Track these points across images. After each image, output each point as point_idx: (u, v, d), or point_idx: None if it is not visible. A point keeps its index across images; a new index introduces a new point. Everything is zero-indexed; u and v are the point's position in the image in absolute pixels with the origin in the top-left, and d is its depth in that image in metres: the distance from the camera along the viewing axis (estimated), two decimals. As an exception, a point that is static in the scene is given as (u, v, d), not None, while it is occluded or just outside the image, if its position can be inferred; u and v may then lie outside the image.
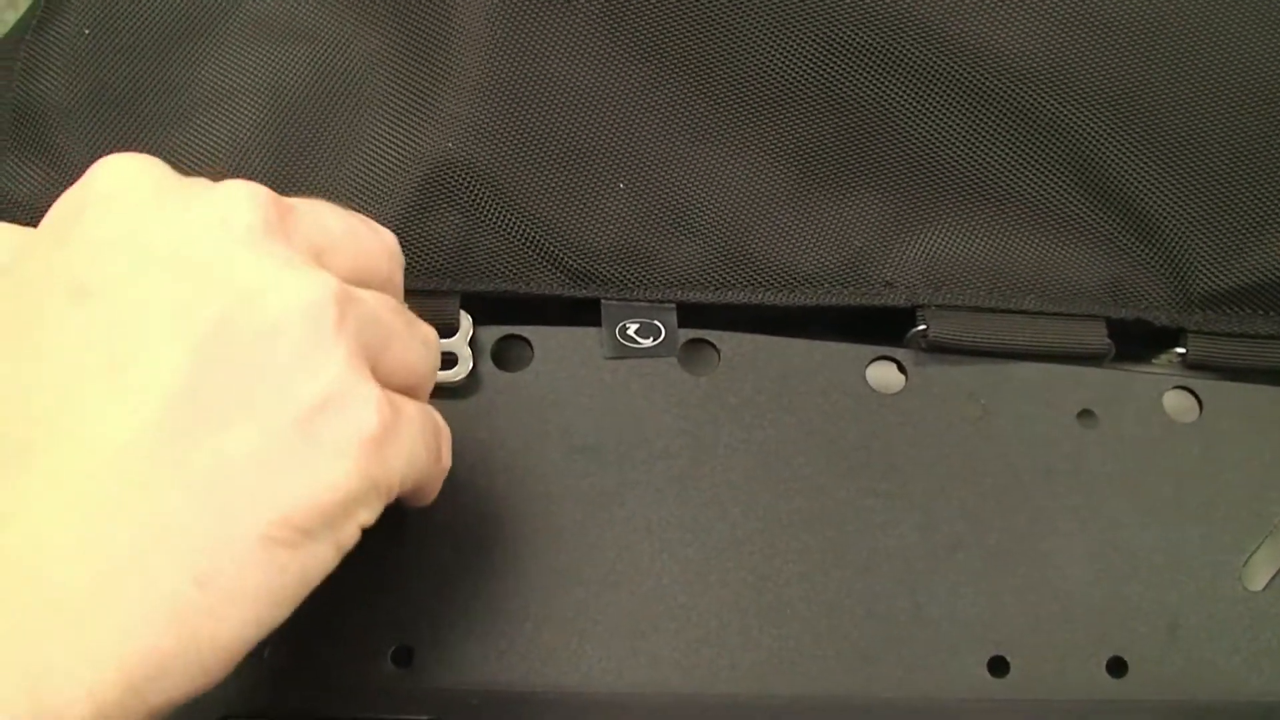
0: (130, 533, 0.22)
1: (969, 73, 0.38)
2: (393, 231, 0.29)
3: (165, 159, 0.27)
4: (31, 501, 0.22)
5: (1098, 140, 0.38)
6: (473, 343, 0.36)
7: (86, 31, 0.38)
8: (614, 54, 0.38)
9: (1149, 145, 0.38)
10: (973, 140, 0.38)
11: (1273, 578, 0.36)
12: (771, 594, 0.34)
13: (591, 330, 0.36)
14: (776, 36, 0.38)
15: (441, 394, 0.35)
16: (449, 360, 0.35)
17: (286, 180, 0.37)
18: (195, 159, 0.37)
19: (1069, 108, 0.38)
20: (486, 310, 0.36)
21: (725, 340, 0.37)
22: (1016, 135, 0.38)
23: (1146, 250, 0.38)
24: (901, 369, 0.37)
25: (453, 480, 0.30)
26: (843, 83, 0.38)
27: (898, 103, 0.38)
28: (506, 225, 0.37)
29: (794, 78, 0.38)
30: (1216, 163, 0.38)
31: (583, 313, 0.37)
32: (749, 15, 0.38)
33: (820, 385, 0.37)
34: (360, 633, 0.33)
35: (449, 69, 0.38)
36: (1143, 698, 0.34)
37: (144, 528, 0.22)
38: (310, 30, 0.39)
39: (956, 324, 0.37)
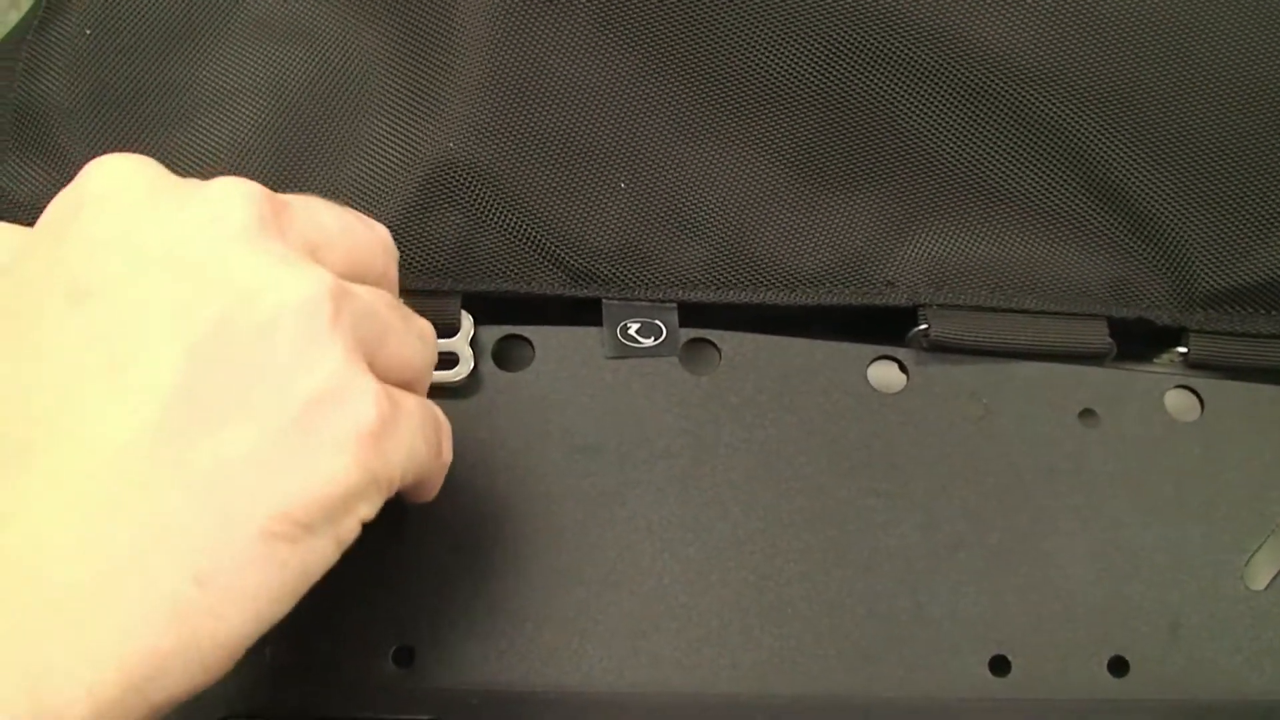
0: (130, 533, 0.22)
1: (971, 72, 0.38)
2: (394, 231, 0.29)
3: (167, 159, 0.27)
4: (31, 501, 0.22)
5: (1099, 139, 0.38)
6: (474, 342, 0.36)
7: (88, 32, 0.38)
8: (615, 53, 0.38)
9: (1150, 144, 0.38)
10: (974, 140, 0.38)
11: (1274, 577, 0.36)
12: (773, 593, 0.34)
13: (593, 330, 0.36)
14: (777, 36, 0.38)
15: (442, 394, 0.35)
16: (450, 360, 0.35)
17: (287, 180, 0.37)
18: (196, 159, 0.37)
19: (1070, 107, 0.38)
20: (487, 310, 0.36)
21: (726, 340, 0.37)
22: (1018, 135, 0.38)
23: (1148, 249, 0.38)
24: (903, 368, 0.37)
25: (454, 480, 0.30)
26: (844, 82, 0.38)
27: (900, 102, 0.38)
28: (508, 225, 0.37)
29: (795, 77, 0.38)
30: (1218, 161, 0.38)
31: (584, 312, 0.37)
32: (750, 15, 0.38)
33: (821, 385, 0.36)
34: (361, 632, 0.33)
35: (450, 68, 0.38)
36: (1144, 697, 0.34)
37: (144, 527, 0.22)
38: (311, 30, 0.39)
39: (958, 323, 0.37)
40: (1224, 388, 0.38)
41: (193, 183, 0.26)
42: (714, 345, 0.37)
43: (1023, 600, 0.35)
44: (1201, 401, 0.37)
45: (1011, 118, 0.38)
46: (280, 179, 0.36)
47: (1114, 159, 0.38)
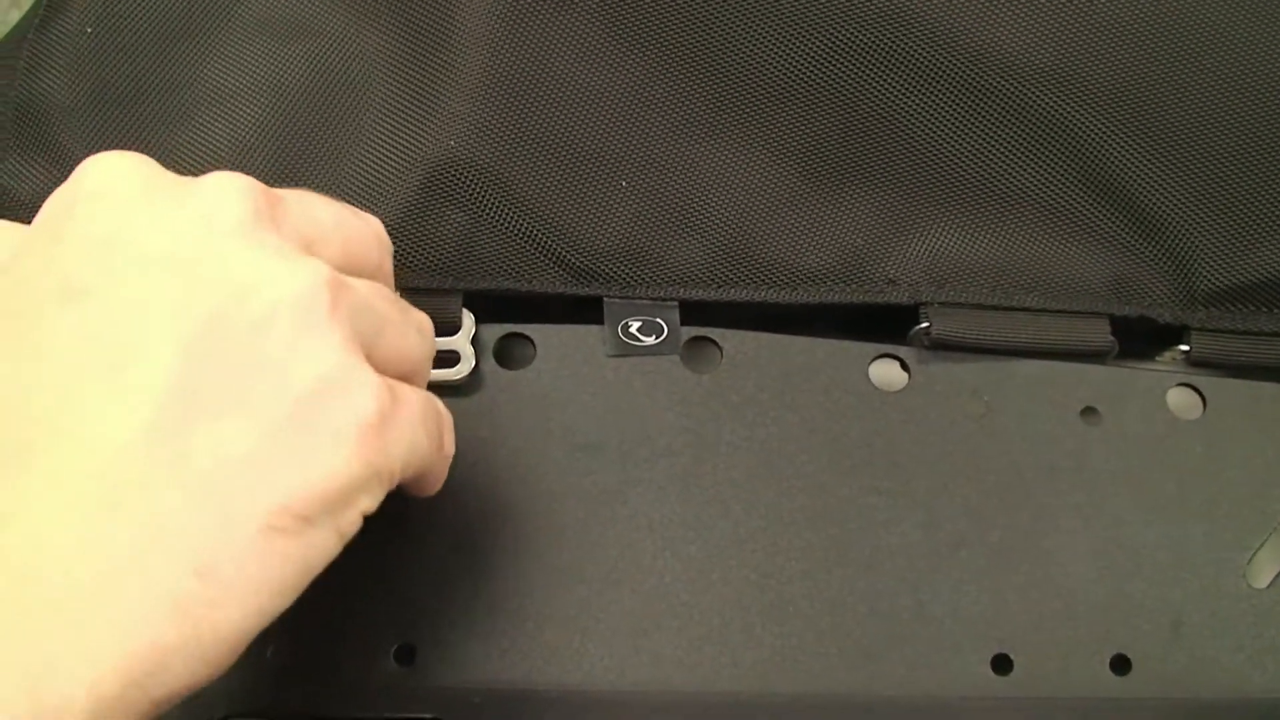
0: (130, 532, 0.22)
1: (972, 70, 0.38)
2: (395, 229, 0.29)
3: (168, 158, 0.27)
4: (31, 501, 0.22)
5: (1101, 137, 0.38)
6: (475, 341, 0.36)
7: (89, 30, 0.38)
8: (616, 52, 0.38)
9: (1152, 142, 0.38)
10: (975, 138, 0.38)
11: (1277, 575, 0.36)
12: (774, 592, 0.34)
13: (594, 328, 0.36)
14: (779, 35, 0.38)
15: (444, 392, 0.35)
16: (451, 358, 0.35)
17: (288, 178, 0.37)
18: (197, 157, 0.37)
19: (1072, 105, 0.38)
20: (489, 308, 0.36)
21: (728, 338, 0.37)
22: (1019, 133, 0.38)
23: (1150, 247, 0.38)
24: (904, 366, 0.37)
25: (455, 479, 0.30)
26: (845, 81, 0.38)
27: (900, 100, 0.38)
28: (509, 223, 0.37)
29: (797, 76, 0.38)
30: (1220, 159, 0.38)
31: (585, 311, 0.37)
32: (752, 13, 0.38)
33: (823, 383, 0.36)
34: (363, 631, 0.33)
35: (451, 67, 0.38)
36: (1146, 695, 0.34)
37: (143, 527, 0.22)
38: (312, 29, 0.39)
39: (959, 321, 0.37)
40: (1226, 386, 0.38)
41: (187, 179, 0.26)
42: (715, 344, 0.37)
43: (1024, 598, 0.35)
44: (1204, 399, 0.37)
45: (1013, 115, 0.38)
46: (281, 177, 0.36)
47: (1116, 156, 0.38)
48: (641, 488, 0.35)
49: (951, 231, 0.38)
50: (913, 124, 0.38)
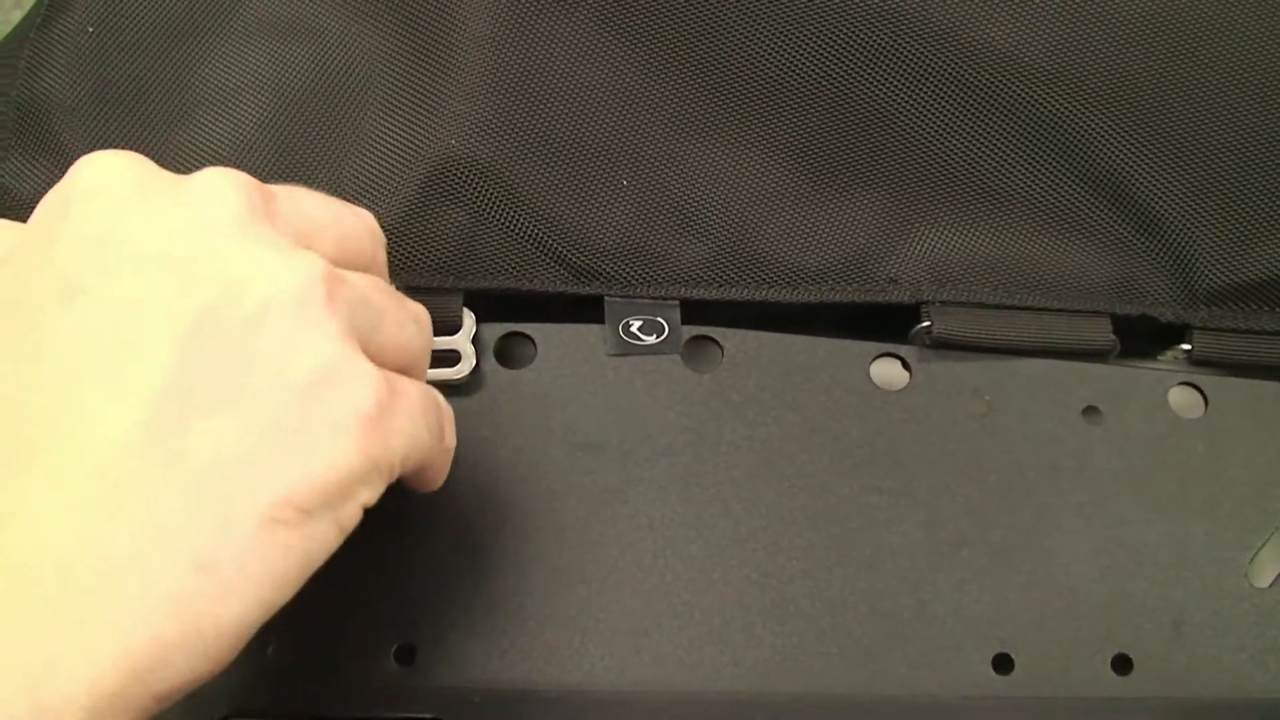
0: (130, 531, 0.22)
1: (973, 70, 0.38)
2: (396, 228, 0.29)
3: (169, 157, 0.27)
4: (31, 501, 0.22)
5: (1102, 136, 0.38)
6: (476, 340, 0.36)
7: (90, 29, 0.38)
8: (617, 51, 0.38)
9: (1154, 141, 0.38)
10: (977, 137, 0.38)
11: (1278, 575, 0.36)
12: (775, 591, 0.34)
13: (595, 327, 0.36)
14: (780, 34, 0.38)
15: (444, 391, 0.34)
16: (452, 357, 0.35)
17: (289, 178, 0.36)
18: (198, 157, 0.37)
19: (1073, 104, 0.38)
20: (490, 307, 0.36)
21: (729, 337, 0.37)
22: (1021, 132, 0.38)
23: (1151, 246, 0.38)
24: (906, 366, 0.37)
25: (455, 478, 0.30)
26: (847, 80, 0.38)
27: (902, 100, 0.38)
28: (510, 222, 0.37)
29: (798, 75, 0.38)
30: (1222, 158, 0.38)
31: (586, 310, 0.37)
32: (753, 13, 0.38)
33: (824, 382, 0.36)
34: (363, 631, 0.33)
35: (452, 66, 0.38)
36: (1148, 695, 0.34)
37: (142, 525, 0.22)
38: (314, 28, 0.39)
39: (961, 320, 0.37)
40: (1228, 385, 0.37)
41: (180, 177, 0.26)
42: (716, 343, 0.37)
43: (1026, 598, 0.35)
44: (1205, 399, 0.37)
45: (1015, 114, 0.38)
46: (282, 177, 0.36)
47: (1117, 156, 0.38)
48: (642, 487, 0.35)
49: (952, 230, 0.38)
50: (914, 123, 0.38)
